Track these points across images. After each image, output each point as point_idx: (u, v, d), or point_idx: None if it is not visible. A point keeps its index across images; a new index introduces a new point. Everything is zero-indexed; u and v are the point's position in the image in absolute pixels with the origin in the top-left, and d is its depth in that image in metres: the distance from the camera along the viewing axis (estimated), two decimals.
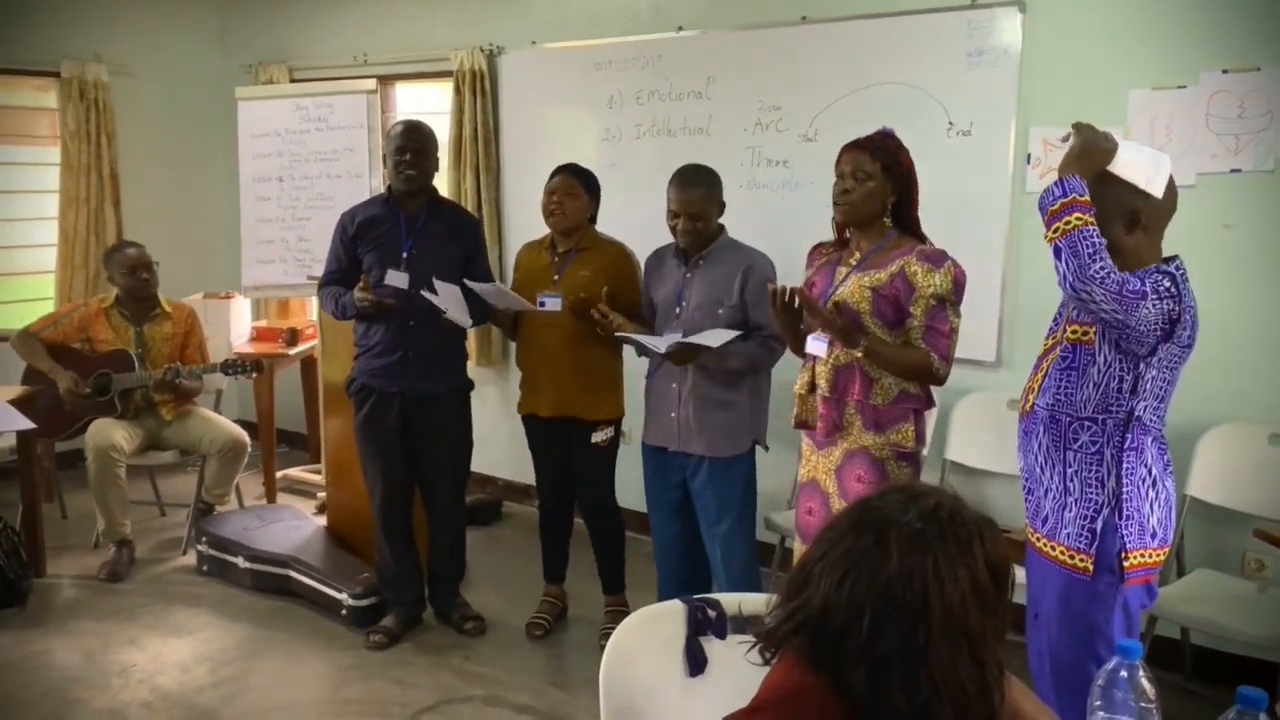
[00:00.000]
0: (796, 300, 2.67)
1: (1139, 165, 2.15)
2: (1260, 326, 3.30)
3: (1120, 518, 2.15)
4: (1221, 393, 3.32)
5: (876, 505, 1.31)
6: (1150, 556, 2.18)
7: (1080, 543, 2.18)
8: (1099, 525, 2.16)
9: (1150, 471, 2.18)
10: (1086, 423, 2.18)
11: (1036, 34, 3.57)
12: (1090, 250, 2.05)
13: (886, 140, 2.73)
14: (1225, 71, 3.25)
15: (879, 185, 2.68)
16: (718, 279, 3.22)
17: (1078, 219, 2.08)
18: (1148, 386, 2.13)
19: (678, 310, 3.28)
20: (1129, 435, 2.15)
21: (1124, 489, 2.15)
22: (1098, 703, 1.39)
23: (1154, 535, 2.18)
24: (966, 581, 1.22)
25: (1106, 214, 2.14)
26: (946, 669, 1.21)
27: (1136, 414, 2.15)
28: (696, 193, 3.19)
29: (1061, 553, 2.22)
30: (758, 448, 3.32)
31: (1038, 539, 2.29)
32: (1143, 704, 1.37)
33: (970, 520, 1.27)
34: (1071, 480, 2.20)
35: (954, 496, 1.31)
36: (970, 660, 1.22)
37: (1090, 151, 2.15)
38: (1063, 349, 2.23)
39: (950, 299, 2.66)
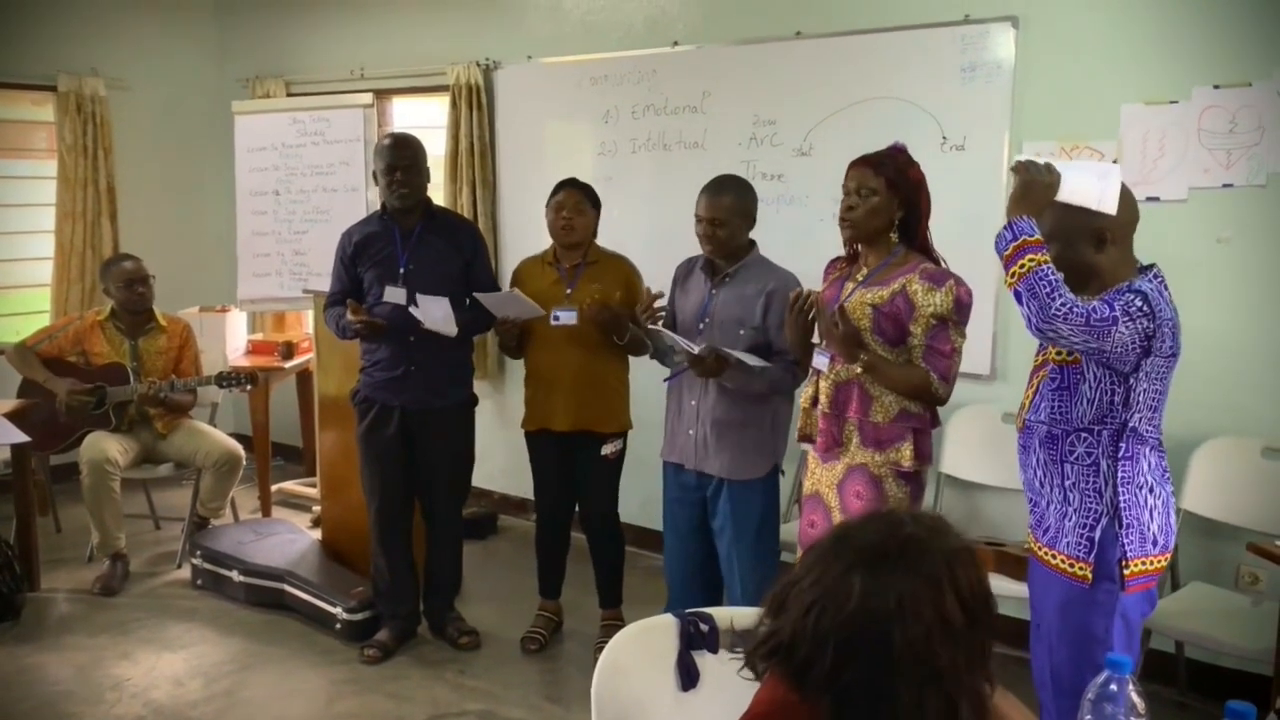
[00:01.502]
0: (811, 312, 2.65)
1: (1086, 189, 2.15)
2: (1253, 340, 3.31)
3: (1120, 526, 2.16)
4: (1215, 406, 3.33)
5: (852, 534, 1.29)
6: (1151, 564, 2.19)
7: (1079, 551, 2.19)
8: (1097, 534, 2.17)
9: (1147, 479, 2.19)
10: (1082, 434, 2.19)
11: (1030, 49, 3.59)
12: (1048, 290, 2.06)
13: (894, 155, 2.72)
14: (1217, 87, 3.27)
15: (883, 201, 2.67)
16: (742, 298, 3.14)
17: (1031, 260, 2.08)
18: (1139, 398, 2.15)
19: (701, 326, 3.21)
20: (1123, 445, 2.16)
21: (1121, 498, 2.16)
22: (1088, 717, 1.39)
23: (1155, 542, 2.19)
24: (933, 617, 1.20)
25: (1072, 239, 2.17)
26: (911, 707, 1.19)
27: (1131, 425, 2.16)
28: (723, 199, 3.12)
29: (1062, 561, 2.22)
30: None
31: (1039, 548, 2.30)
32: (1133, 718, 1.37)
33: (942, 551, 1.24)
34: (1071, 491, 2.21)
35: (933, 526, 1.28)
36: (939, 695, 1.20)
37: (1031, 190, 2.16)
38: (1051, 370, 2.24)
39: (952, 318, 2.64)
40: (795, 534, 3.07)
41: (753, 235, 3.24)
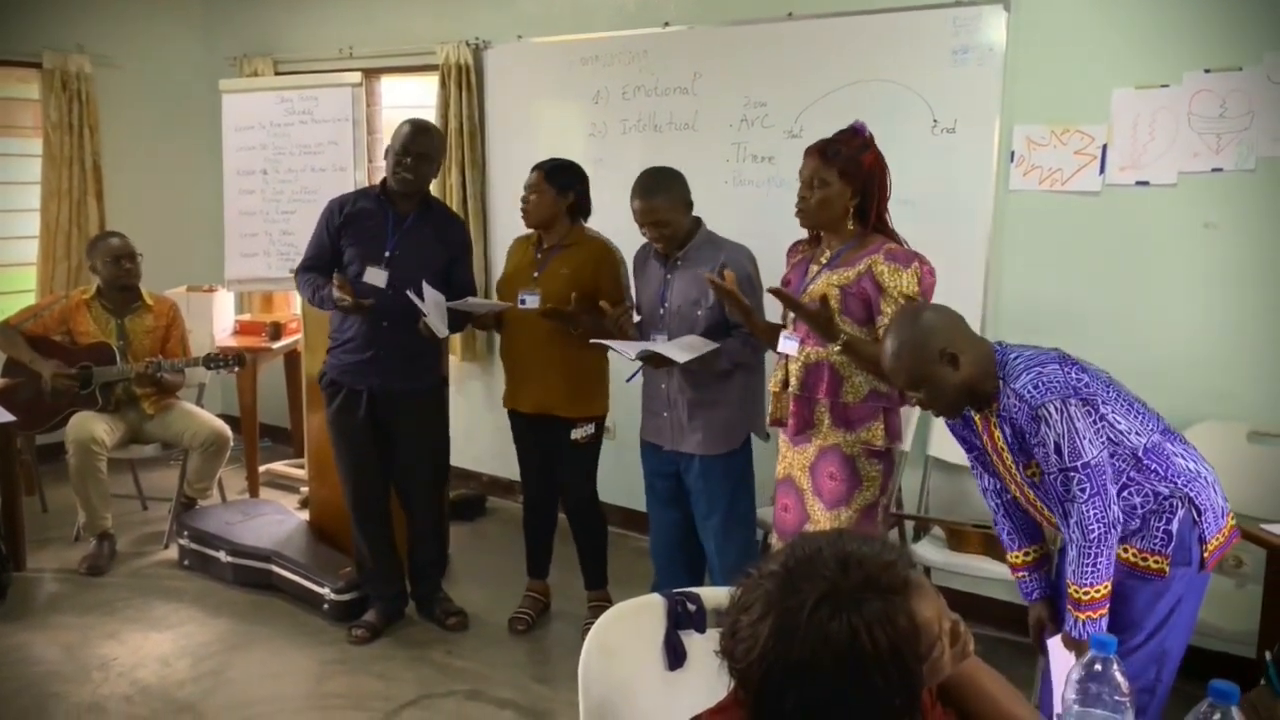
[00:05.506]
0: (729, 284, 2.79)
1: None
2: (1240, 325, 3.32)
3: (1198, 513, 2.18)
4: (1200, 391, 3.35)
5: (792, 564, 1.24)
6: (1223, 536, 2.23)
7: (1155, 544, 2.18)
8: (1175, 526, 2.17)
9: (1189, 463, 2.22)
10: (1124, 494, 2.19)
11: (1021, 32, 3.57)
12: (1095, 551, 2.11)
13: (849, 140, 2.74)
14: (1208, 71, 3.27)
15: (836, 190, 2.71)
16: (696, 279, 3.19)
17: (1094, 611, 2.13)
18: (1114, 421, 2.17)
19: (661, 312, 3.28)
20: (1155, 464, 2.19)
21: (1190, 490, 2.18)
22: (1072, 696, 1.40)
23: (1223, 513, 2.23)
24: (876, 652, 1.17)
25: (931, 378, 2.16)
26: None
27: (1139, 447, 2.18)
28: (657, 200, 3.18)
29: (1134, 555, 2.20)
30: (758, 438, 3.33)
31: None
32: (1117, 697, 1.38)
33: (889, 588, 1.20)
34: (1149, 518, 2.21)
35: (881, 558, 1.22)
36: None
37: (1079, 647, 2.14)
38: (1038, 490, 2.24)
39: (918, 299, 2.66)
40: (771, 516, 3.10)
41: (744, 217, 3.25)
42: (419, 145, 3.51)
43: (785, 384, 2.86)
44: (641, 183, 3.23)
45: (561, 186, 3.58)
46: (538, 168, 3.61)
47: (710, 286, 2.91)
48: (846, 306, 2.70)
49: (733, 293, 2.85)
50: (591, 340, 3.31)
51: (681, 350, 3.06)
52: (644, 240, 3.39)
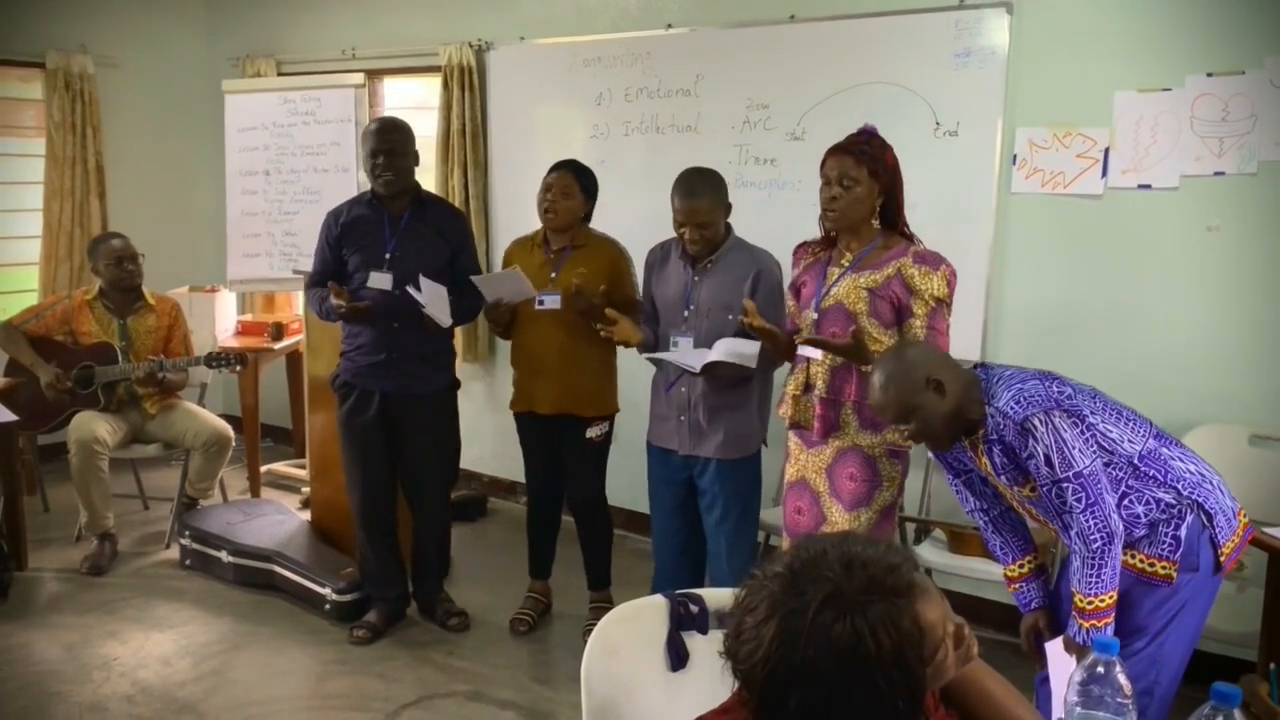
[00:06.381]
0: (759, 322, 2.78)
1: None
2: (1241, 328, 3.33)
3: (1208, 518, 2.17)
4: (1202, 394, 3.35)
5: (797, 566, 1.25)
6: (1237, 537, 2.21)
7: (1162, 550, 2.17)
8: (1184, 531, 2.16)
9: (1192, 469, 2.21)
10: (1126, 503, 2.18)
11: (1024, 35, 3.58)
12: (1097, 565, 2.11)
13: (870, 141, 2.73)
14: (1210, 74, 3.27)
15: (866, 190, 2.69)
16: (727, 284, 3.15)
17: (1100, 621, 2.13)
18: (1105, 430, 2.17)
19: (685, 313, 3.22)
20: (1153, 470, 2.18)
21: (1196, 495, 2.17)
22: (1075, 698, 1.40)
23: (1234, 514, 2.22)
24: (880, 655, 1.17)
25: (920, 408, 2.19)
26: None
27: (1134, 454, 2.17)
28: (702, 201, 3.11)
29: (1141, 561, 2.19)
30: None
31: None
32: (1119, 700, 1.38)
33: (873, 612, 1.19)
34: (1157, 525, 2.20)
35: (886, 561, 1.23)
36: None
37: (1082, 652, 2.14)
38: (1039, 507, 2.24)
39: (946, 301, 2.69)
40: (778, 518, 3.09)
41: (746, 219, 3.24)
42: (389, 142, 3.50)
43: (806, 387, 2.83)
44: (685, 182, 3.16)
45: (588, 189, 3.60)
46: (565, 168, 3.59)
47: (748, 327, 2.84)
48: (874, 309, 2.70)
49: (769, 330, 2.82)
50: (646, 357, 3.29)
51: (743, 355, 2.99)
52: (644, 240, 3.38)
